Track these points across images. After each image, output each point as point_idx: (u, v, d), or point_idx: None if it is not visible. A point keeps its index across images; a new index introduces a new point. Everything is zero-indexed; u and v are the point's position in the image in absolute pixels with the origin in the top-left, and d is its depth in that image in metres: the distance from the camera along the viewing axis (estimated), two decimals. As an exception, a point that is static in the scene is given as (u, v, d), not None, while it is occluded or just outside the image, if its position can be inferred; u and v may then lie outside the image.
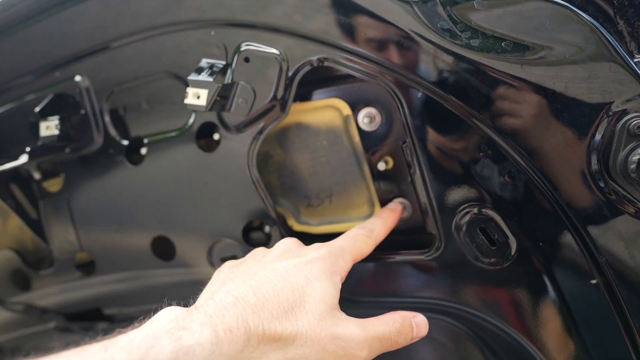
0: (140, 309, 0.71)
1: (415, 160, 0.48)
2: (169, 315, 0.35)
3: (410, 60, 0.45)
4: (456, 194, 0.47)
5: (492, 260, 0.48)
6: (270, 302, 0.38)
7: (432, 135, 0.46)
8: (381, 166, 0.55)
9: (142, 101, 0.60)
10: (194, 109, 0.49)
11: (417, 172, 0.49)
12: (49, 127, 0.59)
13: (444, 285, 0.52)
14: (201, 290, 0.43)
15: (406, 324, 0.44)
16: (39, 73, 0.64)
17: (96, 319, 0.81)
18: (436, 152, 0.47)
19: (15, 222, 0.74)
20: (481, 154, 0.45)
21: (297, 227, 0.60)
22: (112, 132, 0.63)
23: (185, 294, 0.67)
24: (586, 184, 0.41)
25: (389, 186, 0.56)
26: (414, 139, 0.47)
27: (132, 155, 0.63)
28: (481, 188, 0.46)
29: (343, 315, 0.41)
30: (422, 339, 0.46)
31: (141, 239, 0.64)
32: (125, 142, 0.62)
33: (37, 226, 0.69)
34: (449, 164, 0.47)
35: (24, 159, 0.59)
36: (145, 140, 0.61)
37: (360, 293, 0.56)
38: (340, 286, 0.43)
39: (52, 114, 0.60)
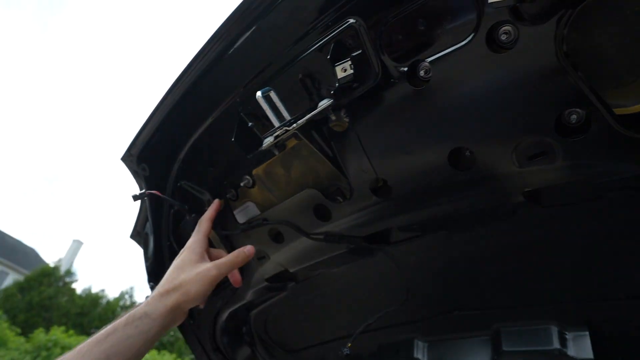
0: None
1: None
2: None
3: None
4: None
5: None
6: (167, 275, 0.85)
7: None
8: None
9: (418, 24, 0.63)
10: None
11: None
12: (345, 69, 0.66)
13: None
14: None
15: (241, 252, 0.90)
16: (317, 28, 0.72)
17: (388, 241, 0.91)
18: None
19: (311, 164, 0.85)
20: None
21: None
22: (389, 62, 0.67)
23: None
24: None
25: None
26: None
27: (413, 79, 0.67)
28: None
29: (204, 262, 0.86)
30: None
31: (436, 154, 0.68)
32: (404, 69, 0.66)
33: (335, 162, 0.79)
34: None
35: (326, 103, 0.68)
36: (427, 61, 0.63)
37: None
38: (201, 249, 0.88)
39: (340, 59, 0.67)
